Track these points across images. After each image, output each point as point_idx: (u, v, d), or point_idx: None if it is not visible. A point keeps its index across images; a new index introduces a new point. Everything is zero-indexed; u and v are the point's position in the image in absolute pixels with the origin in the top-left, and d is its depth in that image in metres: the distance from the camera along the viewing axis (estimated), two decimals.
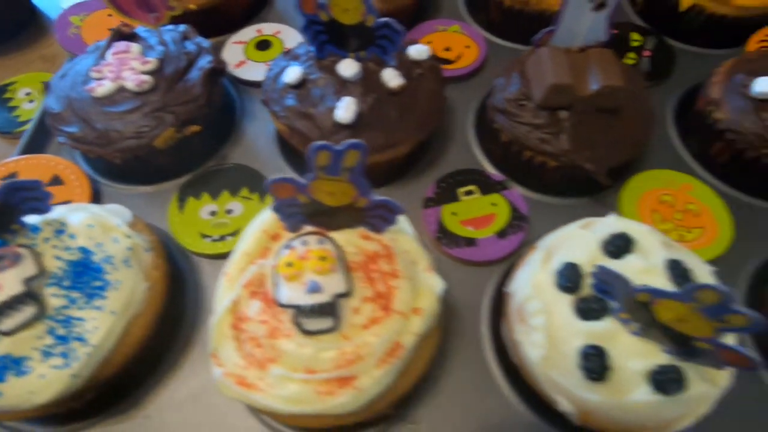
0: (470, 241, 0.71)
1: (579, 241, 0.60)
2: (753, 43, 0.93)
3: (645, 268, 0.56)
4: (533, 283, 0.58)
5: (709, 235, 0.72)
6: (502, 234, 0.72)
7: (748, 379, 0.62)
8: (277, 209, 0.53)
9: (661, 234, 0.60)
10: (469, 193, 0.76)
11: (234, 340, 0.52)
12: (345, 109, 0.67)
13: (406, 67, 0.74)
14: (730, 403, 0.60)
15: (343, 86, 0.70)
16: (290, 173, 0.82)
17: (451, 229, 0.73)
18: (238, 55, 0.93)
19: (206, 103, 0.75)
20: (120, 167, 0.77)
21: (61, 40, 0.91)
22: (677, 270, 0.56)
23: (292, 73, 0.72)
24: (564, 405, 0.53)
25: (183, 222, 0.73)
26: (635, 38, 0.94)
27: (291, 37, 0.96)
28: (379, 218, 0.55)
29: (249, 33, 0.96)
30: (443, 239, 0.72)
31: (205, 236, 0.72)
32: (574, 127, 0.69)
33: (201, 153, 0.82)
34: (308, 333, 0.50)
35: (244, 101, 0.90)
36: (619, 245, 0.58)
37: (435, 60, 0.78)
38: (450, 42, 0.94)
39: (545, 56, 0.70)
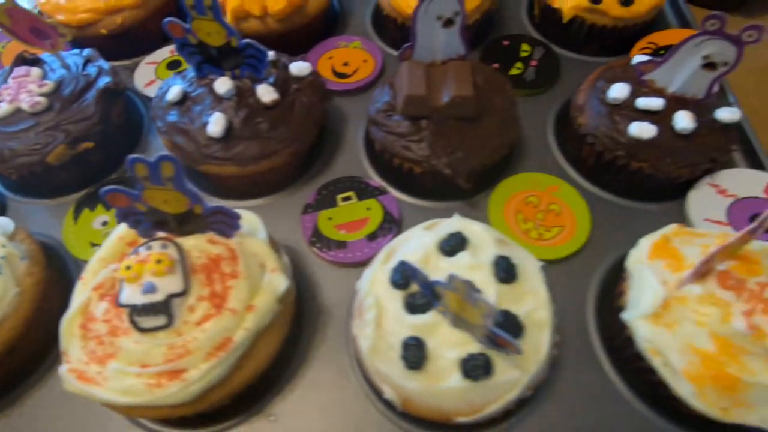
0: (341, 244, 0.76)
1: (418, 240, 0.64)
2: (636, 50, 0.98)
3: (472, 264, 0.60)
4: (371, 280, 0.62)
5: (567, 233, 0.76)
6: (372, 237, 0.76)
7: (590, 366, 0.66)
8: (121, 218, 0.58)
9: (496, 233, 0.65)
10: (347, 199, 0.80)
11: (81, 339, 0.57)
12: (214, 124, 0.72)
13: (285, 82, 0.79)
14: (574, 389, 0.65)
15: (219, 102, 0.75)
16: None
17: (325, 233, 0.77)
18: (149, 74, 0.99)
19: (100, 120, 0.80)
20: (22, 183, 0.82)
21: None
22: (502, 265, 0.60)
23: (174, 91, 0.77)
24: (388, 393, 0.57)
25: (75, 232, 0.78)
26: (525, 49, 0.99)
27: None
28: (221, 224, 0.60)
29: (162, 54, 1.02)
30: (317, 243, 0.76)
31: (94, 245, 0.77)
32: (433, 134, 0.74)
33: (102, 168, 0.87)
34: (142, 330, 0.54)
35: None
36: (454, 244, 0.62)
37: (317, 76, 0.83)
38: (349, 57, 1.00)
39: (405, 70, 0.75)
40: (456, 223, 0.65)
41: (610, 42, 0.99)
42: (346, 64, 0.99)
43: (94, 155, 0.82)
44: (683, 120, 0.72)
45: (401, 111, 0.74)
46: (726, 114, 0.74)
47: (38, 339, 0.66)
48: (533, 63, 0.97)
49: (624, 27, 0.95)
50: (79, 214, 0.80)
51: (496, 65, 0.96)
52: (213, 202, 0.84)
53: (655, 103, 0.74)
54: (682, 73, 0.72)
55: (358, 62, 0.99)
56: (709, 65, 0.69)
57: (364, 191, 0.81)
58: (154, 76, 0.98)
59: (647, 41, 0.98)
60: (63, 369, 0.55)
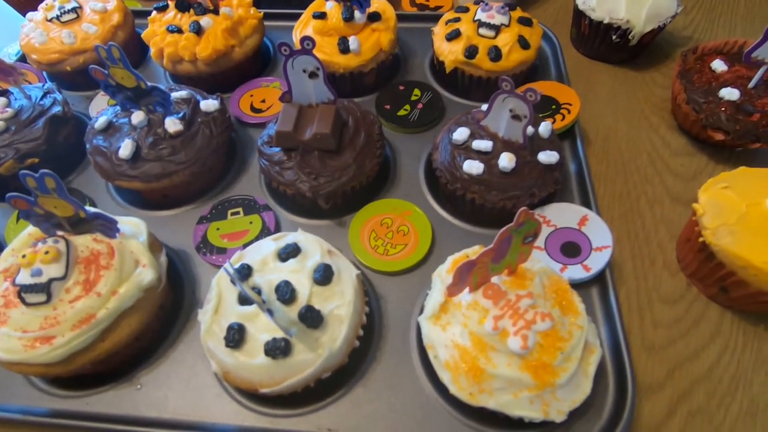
0: (221, 250, 0.91)
1: (263, 248, 0.79)
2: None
3: (296, 268, 0.75)
4: (219, 276, 0.77)
5: (409, 250, 0.89)
6: (247, 245, 0.91)
7: (403, 360, 0.79)
8: (25, 217, 0.75)
9: (327, 246, 0.80)
10: (235, 213, 0.96)
11: None
12: (123, 148, 0.90)
13: (192, 116, 0.97)
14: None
15: (133, 131, 0.93)
16: (113, 197, 1.04)
17: (211, 241, 0.93)
18: (102, 104, 1.19)
19: (45, 141, 0.99)
20: None
21: None
22: (322, 271, 0.74)
23: (101, 120, 0.96)
24: (214, 366, 0.71)
25: (15, 230, 0.96)
26: (416, 93, 1.15)
27: None
28: (103, 226, 0.76)
29: None
30: (203, 249, 0.92)
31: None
32: (299, 163, 0.90)
33: None
34: (27, 304, 0.70)
35: None
36: (288, 252, 0.77)
37: (222, 112, 1.00)
38: (267, 95, 1.17)
39: (282, 110, 0.91)
40: (296, 236, 0.80)
41: (491, 90, 1.13)
42: (263, 101, 1.16)
43: (40, 169, 1.00)
44: (504, 160, 0.86)
45: (275, 143, 0.90)
46: (545, 157, 0.87)
47: None
48: (419, 106, 1.13)
49: (497, 78, 1.10)
50: (21, 217, 0.98)
51: (387, 106, 1.13)
52: (135, 213, 1.01)
53: (484, 145, 0.88)
54: (502, 123, 0.86)
55: (273, 100, 1.16)
56: (515, 117, 0.83)
57: (252, 207, 0.97)
58: (106, 106, 1.18)
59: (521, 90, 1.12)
60: None
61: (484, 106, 0.94)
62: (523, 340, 0.64)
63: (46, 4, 1.20)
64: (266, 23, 1.27)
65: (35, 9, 1.25)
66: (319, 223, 0.96)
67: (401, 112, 1.12)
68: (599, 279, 0.85)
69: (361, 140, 0.93)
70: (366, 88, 1.18)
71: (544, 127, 0.91)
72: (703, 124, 1.03)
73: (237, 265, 0.76)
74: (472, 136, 0.91)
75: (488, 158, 0.88)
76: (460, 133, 0.91)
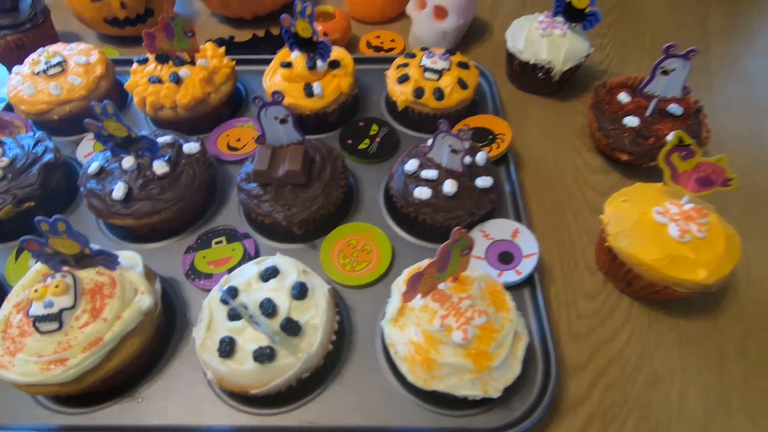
0: (208, 276, 1.04)
1: (247, 271, 0.92)
2: (455, 130, 1.31)
3: (277, 287, 0.88)
4: (210, 298, 0.90)
5: (372, 267, 1.04)
6: (231, 270, 1.04)
7: (371, 359, 0.93)
8: (35, 257, 0.85)
9: (302, 266, 0.93)
10: (219, 242, 1.09)
11: (1, 340, 0.83)
12: (117, 190, 1.02)
13: (177, 159, 1.10)
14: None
15: (124, 174, 1.05)
16: (104, 233, 1.15)
17: (198, 267, 1.05)
18: (89, 148, 1.30)
19: (40, 186, 1.10)
20: None
21: None
22: (297, 289, 0.88)
23: (93, 166, 1.07)
24: (209, 375, 0.84)
25: (14, 269, 1.05)
26: (374, 128, 1.32)
27: None
28: (105, 261, 0.88)
29: None
30: (191, 275, 1.04)
31: None
32: (274, 196, 1.04)
33: None
34: (41, 332, 0.81)
35: None
36: (269, 273, 0.91)
37: (203, 153, 1.14)
38: (242, 135, 1.31)
39: (257, 151, 1.06)
40: (275, 260, 0.94)
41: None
42: (239, 140, 1.30)
43: (36, 211, 1.11)
44: (447, 186, 1.03)
45: (252, 179, 1.04)
46: (481, 182, 1.05)
47: None
48: (378, 140, 1.29)
49: (442, 114, 1.28)
50: (19, 256, 1.08)
51: (349, 141, 1.29)
52: (124, 245, 1.12)
53: (431, 174, 1.05)
54: (444, 155, 1.03)
55: (248, 139, 1.30)
56: (453, 151, 1.00)
57: (233, 236, 1.10)
58: (92, 150, 1.29)
59: (463, 123, 1.31)
60: None
61: (431, 141, 1.11)
62: (463, 333, 0.80)
63: (33, 60, 1.30)
64: (237, 68, 1.42)
65: (20, 62, 1.36)
66: (294, 247, 1.10)
67: (362, 146, 1.28)
68: (529, 281, 1.02)
69: (327, 174, 1.08)
70: (330, 125, 1.33)
71: (481, 156, 1.09)
72: (612, 147, 1.24)
73: (225, 287, 0.89)
74: (421, 166, 1.08)
75: (435, 185, 1.05)
76: (411, 165, 1.08)
